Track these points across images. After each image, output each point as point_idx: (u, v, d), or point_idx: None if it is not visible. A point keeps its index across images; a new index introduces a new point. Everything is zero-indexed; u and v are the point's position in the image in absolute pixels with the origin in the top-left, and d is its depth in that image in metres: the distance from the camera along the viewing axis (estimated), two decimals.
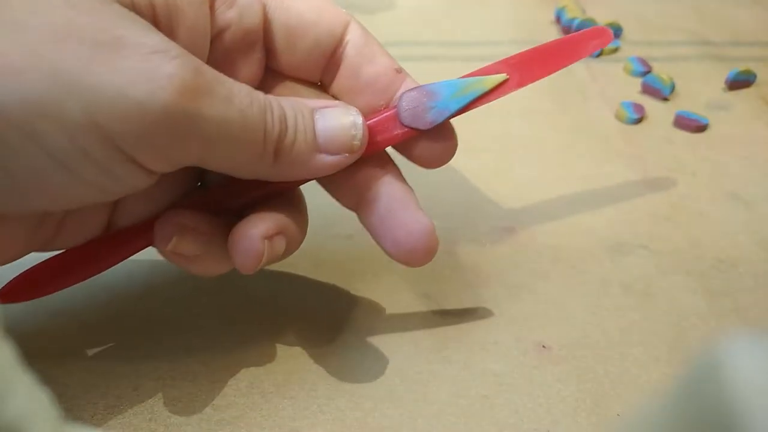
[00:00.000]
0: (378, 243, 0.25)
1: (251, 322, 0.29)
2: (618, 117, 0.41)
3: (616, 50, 0.47)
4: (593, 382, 0.27)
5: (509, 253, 0.32)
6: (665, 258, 0.33)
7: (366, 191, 0.26)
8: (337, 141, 0.24)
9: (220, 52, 0.25)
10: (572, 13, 0.49)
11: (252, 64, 0.26)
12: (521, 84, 0.25)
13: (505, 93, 0.25)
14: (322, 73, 0.26)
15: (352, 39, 0.26)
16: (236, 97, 0.22)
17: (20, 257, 0.24)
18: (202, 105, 0.20)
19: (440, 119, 0.25)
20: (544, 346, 0.28)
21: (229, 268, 0.25)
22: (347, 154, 0.24)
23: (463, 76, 0.26)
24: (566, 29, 0.49)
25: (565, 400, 0.26)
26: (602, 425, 0.25)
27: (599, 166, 0.38)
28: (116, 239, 0.25)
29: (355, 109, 0.25)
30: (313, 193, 0.27)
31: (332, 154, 0.24)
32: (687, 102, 0.43)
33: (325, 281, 0.31)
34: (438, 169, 0.27)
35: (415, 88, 0.25)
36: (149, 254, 0.26)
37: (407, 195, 0.25)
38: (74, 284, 0.25)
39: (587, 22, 0.48)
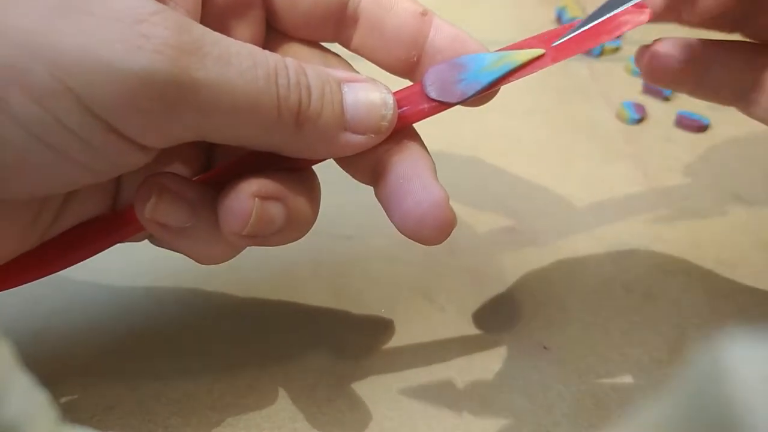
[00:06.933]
0: (390, 219, 0.23)
1: (249, 323, 0.29)
2: (619, 117, 0.41)
3: (617, 50, 0.47)
4: (594, 383, 0.27)
5: (509, 253, 0.32)
6: (666, 258, 0.32)
7: (381, 162, 0.23)
8: (366, 119, 0.22)
9: (214, 11, 0.23)
10: (573, 13, 0.49)
11: (251, 24, 0.24)
12: (556, 59, 0.24)
13: (539, 68, 0.24)
14: (335, 32, 0.24)
15: None
16: (234, 57, 0.19)
17: (20, 252, 0.22)
18: (190, 67, 0.18)
19: (470, 92, 0.23)
20: (544, 347, 0.28)
21: (225, 251, 0.23)
22: (373, 135, 0.22)
23: (496, 51, 0.24)
24: None
25: (566, 401, 0.26)
26: (603, 426, 0.25)
27: (600, 166, 0.38)
28: (105, 223, 0.24)
29: (385, 86, 0.22)
30: None
31: (358, 133, 0.22)
32: (688, 102, 0.42)
33: (325, 282, 0.30)
34: (437, 169, 0.26)
35: (443, 62, 0.24)
36: (149, 254, 0.26)
37: (421, 163, 0.23)
38: (61, 270, 0.24)
39: None
